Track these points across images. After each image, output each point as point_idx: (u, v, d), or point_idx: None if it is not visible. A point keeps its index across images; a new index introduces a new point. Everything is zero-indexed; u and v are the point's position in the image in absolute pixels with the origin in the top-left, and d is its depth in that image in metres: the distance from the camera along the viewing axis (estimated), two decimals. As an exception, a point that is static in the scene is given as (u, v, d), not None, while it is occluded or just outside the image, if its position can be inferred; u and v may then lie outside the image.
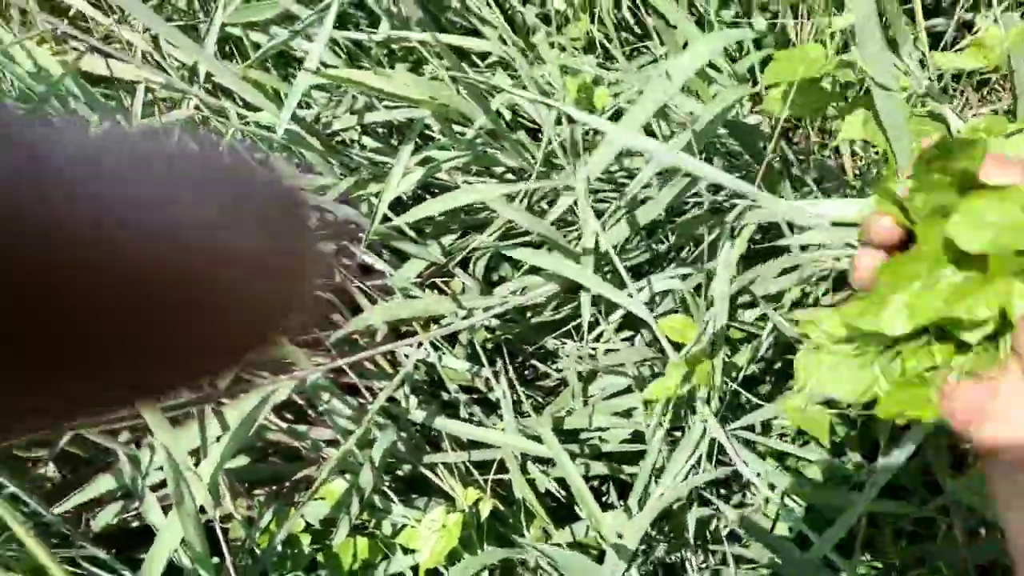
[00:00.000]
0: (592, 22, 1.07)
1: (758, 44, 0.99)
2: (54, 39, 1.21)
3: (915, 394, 0.43)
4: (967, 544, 0.87)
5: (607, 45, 1.06)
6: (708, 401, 0.80)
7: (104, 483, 0.90)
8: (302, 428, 0.98)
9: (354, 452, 0.91)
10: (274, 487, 1.00)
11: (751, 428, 0.92)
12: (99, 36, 1.16)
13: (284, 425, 0.98)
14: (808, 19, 0.82)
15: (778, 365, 1.05)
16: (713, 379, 0.78)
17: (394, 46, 1.13)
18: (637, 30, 1.11)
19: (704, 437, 0.82)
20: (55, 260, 0.12)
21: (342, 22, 0.99)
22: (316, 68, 0.95)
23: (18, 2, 1.20)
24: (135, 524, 0.94)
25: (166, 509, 0.86)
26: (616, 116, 1.04)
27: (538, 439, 0.92)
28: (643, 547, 0.95)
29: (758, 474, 0.84)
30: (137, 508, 0.90)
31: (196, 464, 0.84)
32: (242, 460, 0.97)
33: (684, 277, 0.94)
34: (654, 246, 1.05)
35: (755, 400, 0.89)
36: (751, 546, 0.93)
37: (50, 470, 0.97)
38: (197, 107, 1.07)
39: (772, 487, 0.88)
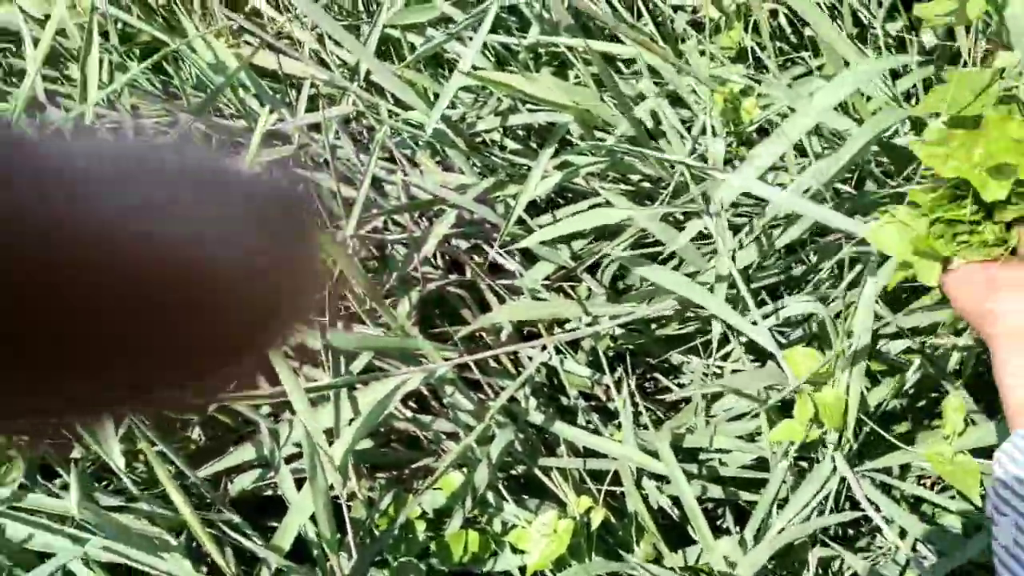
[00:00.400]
0: (746, 30, 1.03)
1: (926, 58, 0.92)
2: (231, 33, 1.30)
3: (945, 243, 0.55)
4: None
5: (759, 54, 1.02)
6: (839, 444, 0.76)
7: (246, 452, 0.97)
8: (426, 419, 1.01)
9: (473, 447, 0.93)
10: (394, 473, 1.04)
11: (887, 470, 0.87)
12: (272, 33, 1.24)
13: (409, 414, 1.01)
14: (985, 37, 0.76)
15: (922, 403, 0.98)
16: (846, 418, 0.74)
17: (540, 50, 1.14)
18: (793, 39, 1.07)
19: (833, 475, 0.78)
20: (55, 260, 0.12)
21: (493, 26, 1.01)
22: (469, 70, 0.98)
23: (200, -3, 1.30)
24: (267, 493, 1.01)
25: (297, 483, 0.92)
26: (764, 130, 1.00)
27: (655, 454, 0.90)
28: (757, 578, 0.92)
29: (888, 520, 0.79)
30: (272, 478, 0.96)
31: (329, 443, 0.89)
32: (366, 444, 1.02)
33: (824, 300, 0.90)
34: (793, 265, 1.01)
35: (892, 440, 0.84)
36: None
37: (195, 434, 1.06)
38: (355, 103, 1.13)
39: (903, 534, 0.82)
